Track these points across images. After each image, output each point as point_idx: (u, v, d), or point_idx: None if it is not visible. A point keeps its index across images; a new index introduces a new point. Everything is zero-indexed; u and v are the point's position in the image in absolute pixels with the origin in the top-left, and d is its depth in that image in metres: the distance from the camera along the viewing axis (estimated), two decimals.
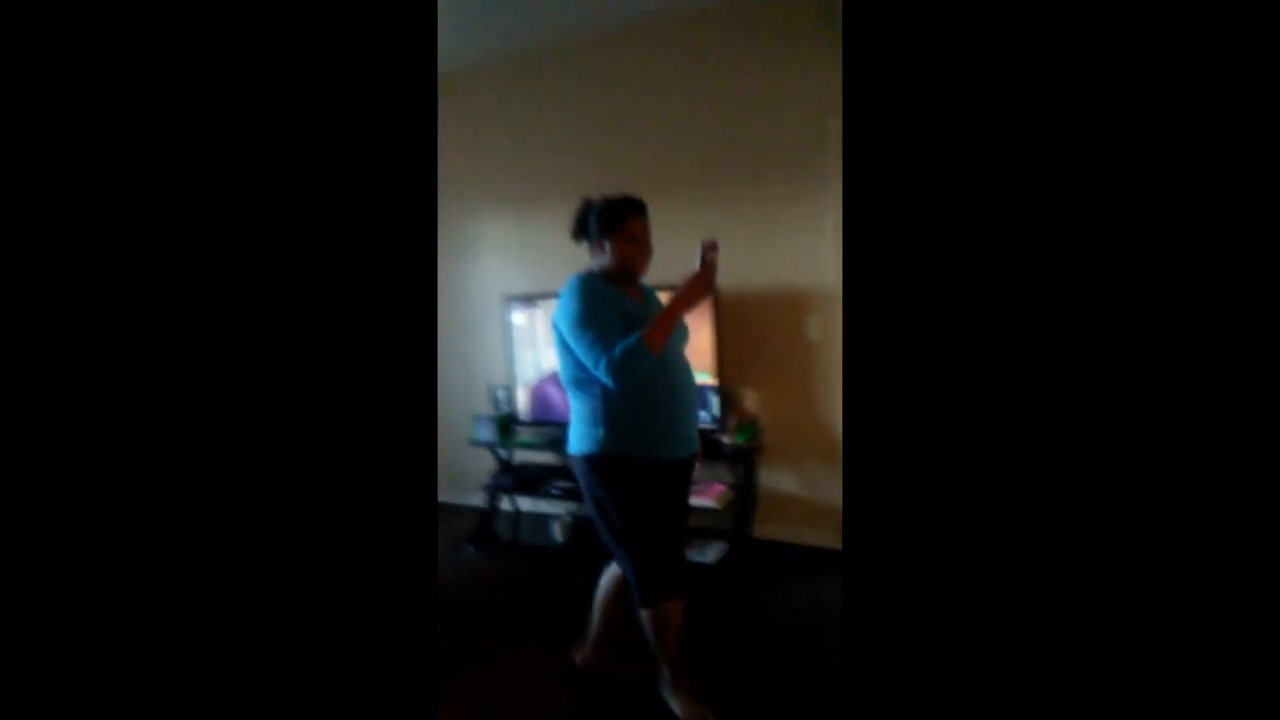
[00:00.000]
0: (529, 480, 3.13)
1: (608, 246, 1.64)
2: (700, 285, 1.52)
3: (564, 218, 3.14)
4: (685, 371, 1.67)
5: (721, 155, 2.84)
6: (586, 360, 1.53)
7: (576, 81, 3.11)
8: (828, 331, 2.74)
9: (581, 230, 1.70)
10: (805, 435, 2.82)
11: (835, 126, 2.64)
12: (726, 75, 2.81)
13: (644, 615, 1.68)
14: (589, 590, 2.60)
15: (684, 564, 1.75)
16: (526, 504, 3.44)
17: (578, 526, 3.11)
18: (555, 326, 1.62)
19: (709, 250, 1.54)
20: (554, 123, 3.18)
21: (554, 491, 3.03)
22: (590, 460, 1.61)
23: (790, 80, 2.71)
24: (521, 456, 3.35)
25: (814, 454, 2.82)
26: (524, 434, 3.25)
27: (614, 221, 1.63)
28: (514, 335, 3.13)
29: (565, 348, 1.60)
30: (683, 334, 1.67)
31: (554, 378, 3.04)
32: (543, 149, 3.22)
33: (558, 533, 3.01)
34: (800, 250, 2.72)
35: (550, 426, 3.12)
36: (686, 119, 2.91)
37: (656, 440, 1.59)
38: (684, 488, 1.75)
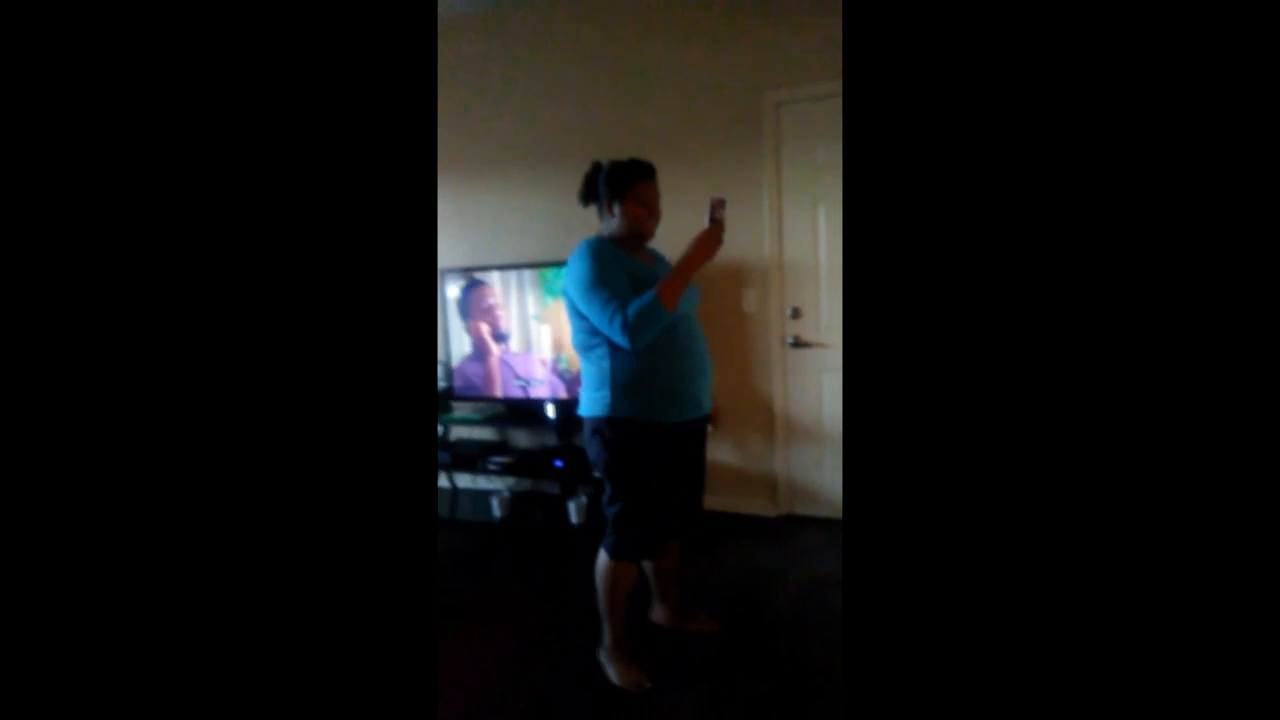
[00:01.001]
0: (466, 457, 3.08)
1: (617, 210, 1.63)
2: (710, 241, 1.53)
3: (500, 188, 3.11)
4: (694, 334, 1.66)
5: (659, 128, 2.82)
6: (599, 320, 1.53)
7: (513, 50, 3.03)
8: (764, 304, 2.77)
9: (590, 193, 1.69)
10: (742, 407, 2.85)
11: (772, 99, 2.65)
12: (664, 47, 2.79)
13: (602, 565, 1.70)
14: (529, 566, 2.60)
15: (674, 526, 1.77)
16: (464, 481, 3.39)
17: (516, 502, 3.08)
18: (565, 292, 1.63)
19: (718, 207, 1.55)
20: (489, 92, 3.10)
21: (491, 467, 2.99)
22: (595, 422, 1.63)
23: (728, 52, 2.70)
24: (458, 433, 3.29)
25: (751, 425, 2.86)
26: (462, 409, 3.19)
27: (623, 184, 1.62)
28: (450, 309, 3.05)
29: (575, 312, 1.60)
30: (693, 295, 1.67)
31: (474, 355, 3.00)
32: (479, 118, 3.13)
33: (496, 509, 2.98)
34: (737, 224, 2.73)
35: (486, 402, 3.08)
36: (624, 91, 2.88)
37: (662, 404, 1.60)
38: (694, 450, 1.75)
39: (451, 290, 3.03)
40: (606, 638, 1.78)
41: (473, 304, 3.01)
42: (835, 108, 2.57)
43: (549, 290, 2.85)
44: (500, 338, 2.98)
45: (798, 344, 2.76)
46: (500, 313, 2.97)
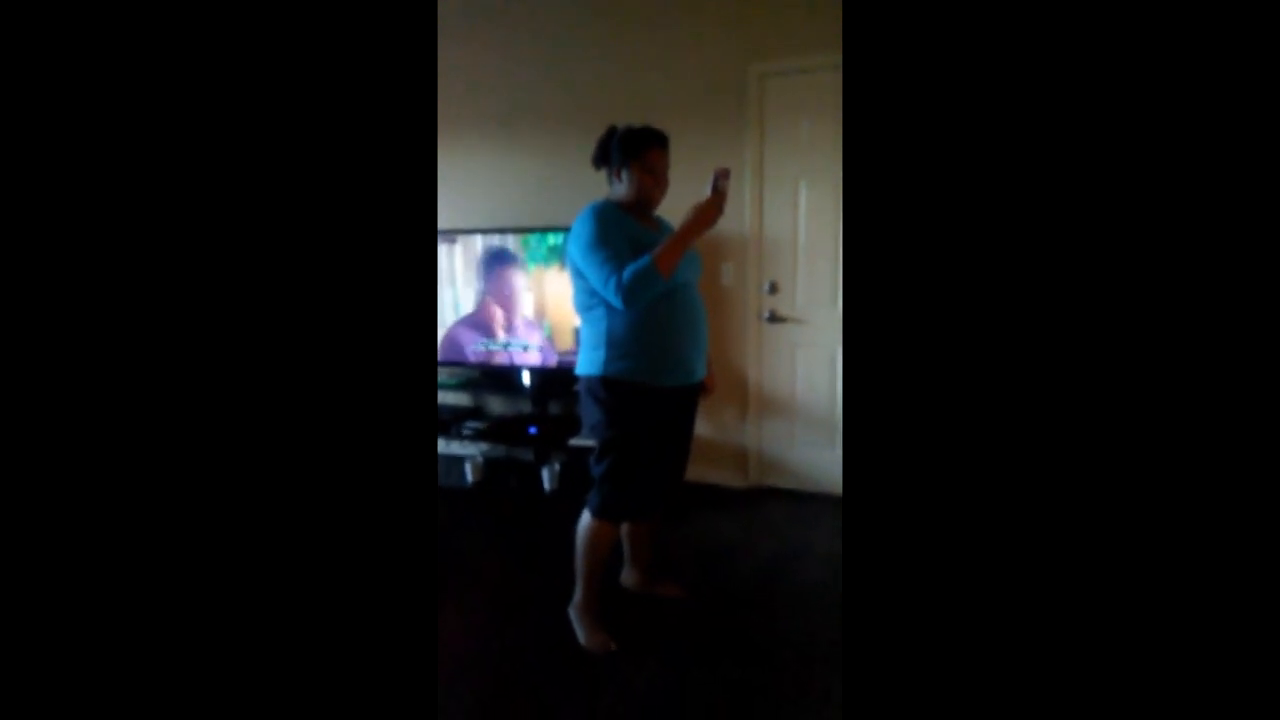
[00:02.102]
0: (440, 421, 3.08)
1: (625, 175, 1.66)
2: (711, 210, 1.56)
3: (484, 152, 3.07)
4: (692, 302, 1.70)
5: (644, 97, 2.80)
6: (597, 281, 1.57)
7: (498, 19, 2.98)
8: (741, 278, 2.79)
9: (603, 156, 1.71)
10: (717, 380, 2.88)
11: (757, 71, 2.64)
12: (651, 16, 2.75)
13: (584, 524, 1.74)
14: (501, 531, 2.62)
15: (658, 492, 1.79)
16: (438, 445, 3.40)
17: (490, 468, 3.10)
18: (568, 253, 1.66)
19: (721, 178, 1.57)
20: (474, 57, 3.04)
21: (465, 433, 3.00)
22: (590, 381, 1.67)
23: (714, 23, 2.68)
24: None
25: (725, 398, 2.90)
26: (437, 374, 3.18)
27: (634, 150, 1.64)
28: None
29: (577, 273, 1.64)
30: (695, 265, 1.71)
31: (465, 321, 2.98)
32: (463, 82, 3.07)
33: (470, 474, 3.00)
34: None
35: (460, 367, 3.07)
36: (609, 59, 2.84)
37: (656, 367, 1.63)
38: (684, 415, 1.80)
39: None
40: (579, 596, 1.82)
41: (495, 279, 2.90)
42: (820, 81, 2.56)
43: (532, 257, 2.83)
44: (513, 328, 2.90)
45: (773, 319, 2.79)
46: (521, 299, 2.85)
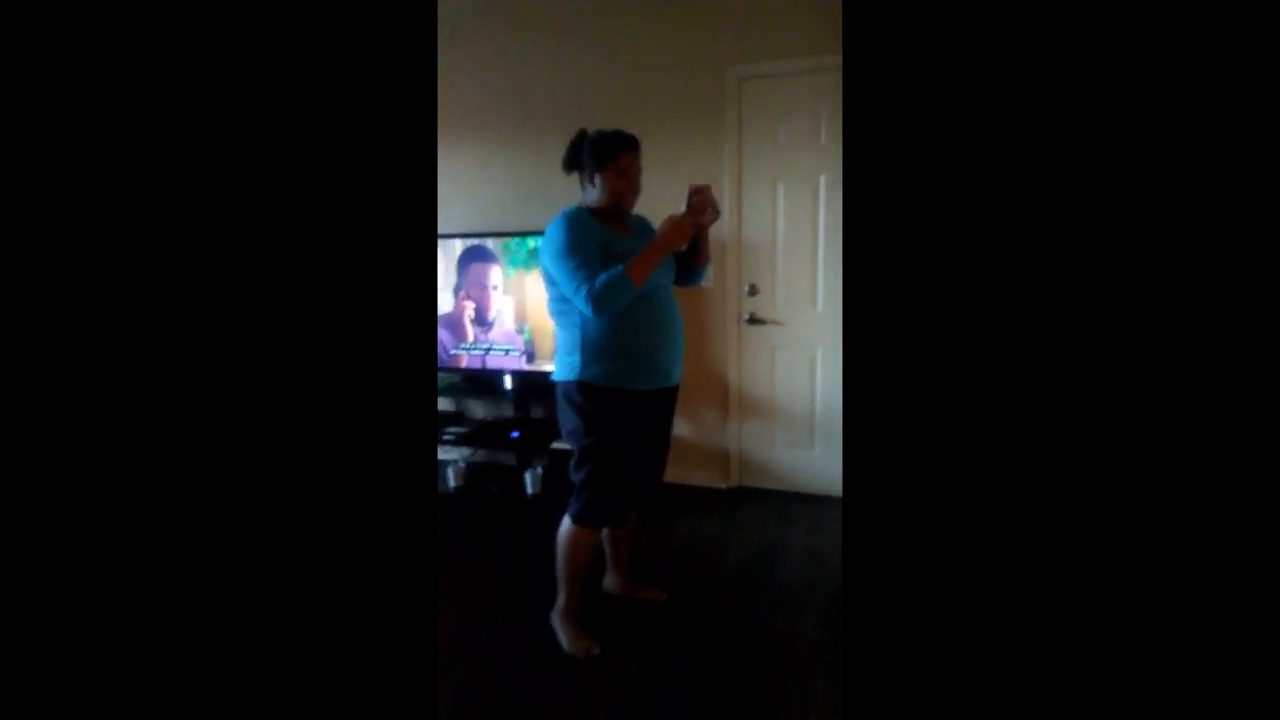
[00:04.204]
0: None
1: (597, 180, 1.65)
2: (683, 228, 1.57)
3: (464, 156, 3.06)
4: (666, 304, 1.69)
5: (624, 100, 2.81)
6: (567, 289, 1.57)
7: (479, 21, 2.97)
8: (721, 281, 2.81)
9: (573, 161, 1.69)
10: (699, 383, 2.90)
11: (735, 75, 2.66)
12: (631, 19, 2.77)
13: (564, 530, 1.74)
14: (483, 535, 2.62)
15: (637, 495, 1.81)
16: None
17: (472, 473, 3.09)
18: (540, 260, 1.67)
19: (694, 195, 1.58)
20: (453, 60, 3.03)
21: (447, 438, 2.99)
22: (566, 386, 1.67)
23: (689, 30, 2.70)
24: None
25: (706, 401, 2.92)
26: None
27: (606, 155, 1.63)
28: None
29: (550, 280, 1.65)
30: (669, 268, 1.70)
31: (442, 320, 2.96)
32: (442, 84, 3.06)
33: (452, 479, 2.99)
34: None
35: (443, 372, 3.06)
36: (588, 62, 2.85)
37: (632, 371, 1.64)
38: (661, 418, 1.80)
39: None
40: (561, 602, 1.82)
41: (469, 276, 2.90)
42: (797, 84, 2.59)
43: (512, 261, 2.83)
44: (484, 323, 2.89)
45: (753, 320, 2.81)
46: (493, 293, 2.86)
